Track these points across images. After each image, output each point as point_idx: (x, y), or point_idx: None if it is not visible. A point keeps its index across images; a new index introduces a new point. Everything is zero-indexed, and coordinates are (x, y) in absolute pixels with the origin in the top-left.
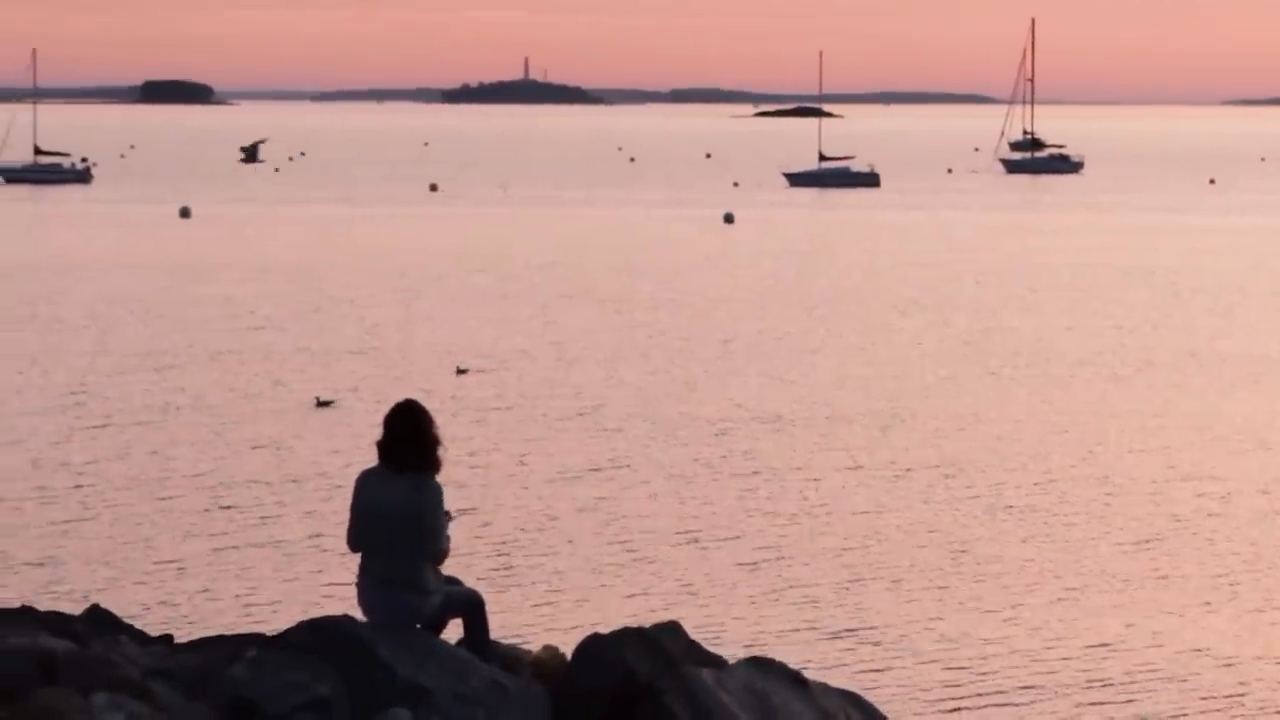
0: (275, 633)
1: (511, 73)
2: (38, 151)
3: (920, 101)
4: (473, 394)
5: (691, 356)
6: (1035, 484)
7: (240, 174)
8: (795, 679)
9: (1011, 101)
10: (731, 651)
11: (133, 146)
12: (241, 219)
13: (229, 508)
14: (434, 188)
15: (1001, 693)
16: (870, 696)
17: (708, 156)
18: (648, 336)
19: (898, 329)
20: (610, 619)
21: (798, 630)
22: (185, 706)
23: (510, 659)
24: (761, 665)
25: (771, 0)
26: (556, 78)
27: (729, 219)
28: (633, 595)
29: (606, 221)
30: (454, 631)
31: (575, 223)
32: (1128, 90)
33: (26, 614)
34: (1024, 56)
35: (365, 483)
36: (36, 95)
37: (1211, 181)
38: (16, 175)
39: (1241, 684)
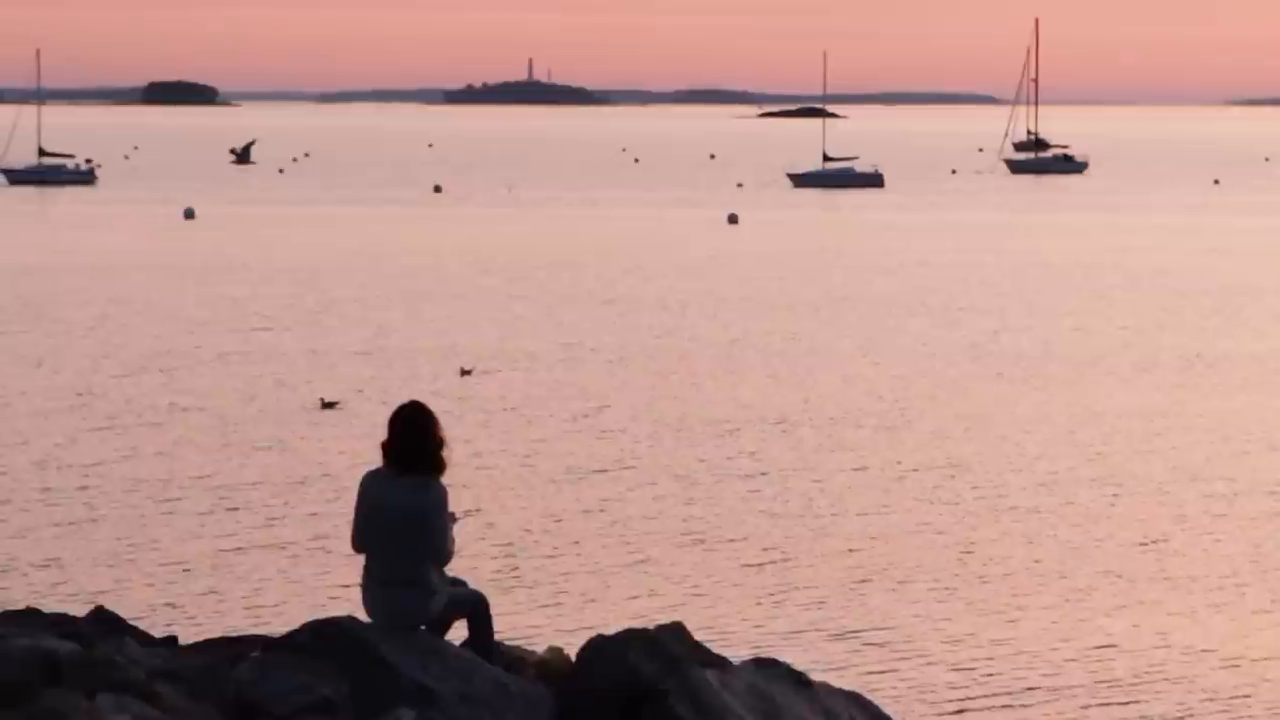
0: (280, 634)
1: (515, 73)
2: (42, 153)
3: (924, 102)
4: (477, 395)
5: (696, 357)
6: (1041, 485)
7: (244, 175)
8: (800, 680)
9: (1015, 102)
10: (736, 652)
11: (137, 148)
12: (246, 220)
13: (234, 509)
14: (438, 189)
15: (1007, 694)
16: (875, 698)
17: (712, 157)
18: (652, 337)
19: (902, 330)
20: (615, 620)
21: (803, 631)
22: (190, 708)
23: (514, 660)
24: (766, 666)
25: (776, 1)
26: (561, 78)
27: (733, 220)
28: (637, 596)
29: (611, 222)
30: (458, 632)
31: (579, 223)
32: (1132, 91)
33: (31, 615)
34: (1028, 57)
35: (370, 484)
36: (41, 96)
37: (1216, 182)
38: (21, 176)
39: (1248, 685)
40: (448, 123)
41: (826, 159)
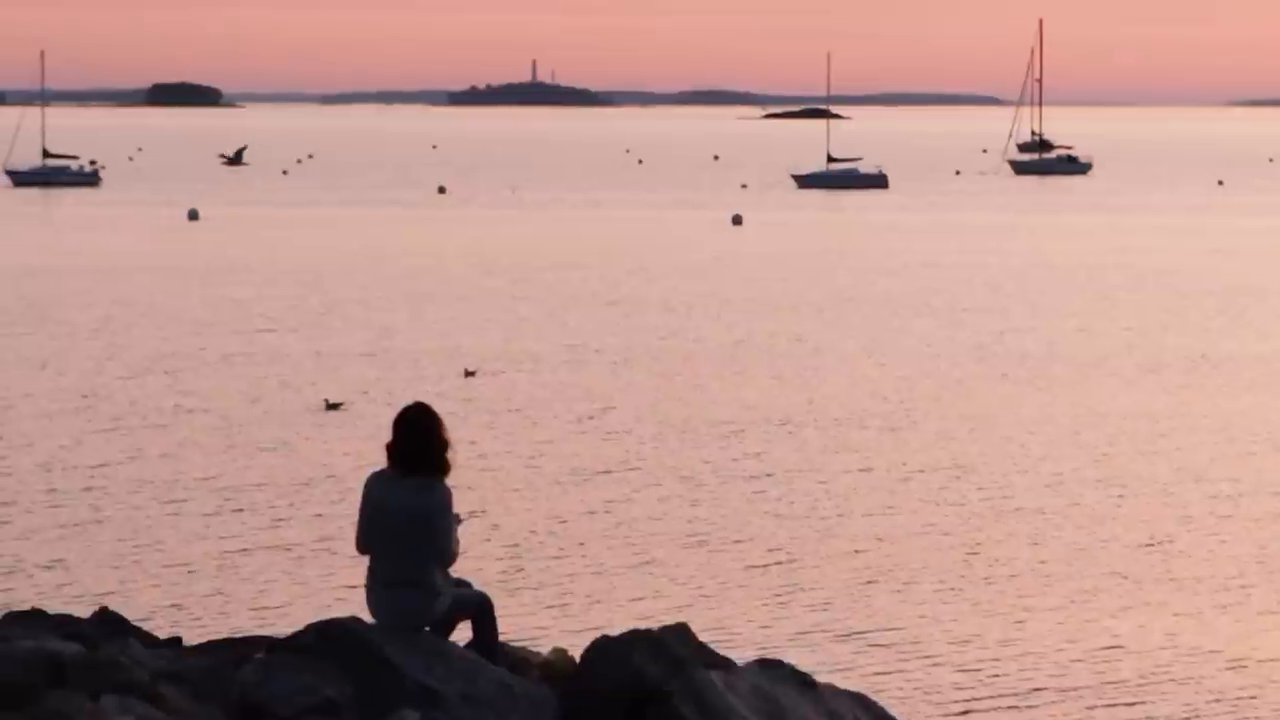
0: (284, 635)
1: (519, 75)
2: (46, 154)
3: (928, 103)
4: (482, 396)
5: (700, 358)
6: (1046, 486)
7: (247, 176)
8: (804, 681)
9: (1019, 103)
10: (741, 654)
11: (141, 149)
12: (249, 222)
13: (238, 510)
14: (442, 190)
15: (1013, 695)
16: (880, 699)
17: (716, 158)
18: (656, 338)
19: (907, 331)
20: (619, 621)
21: (808, 632)
22: (194, 709)
23: (519, 661)
24: (771, 667)
25: (779, 1)
26: (564, 79)
27: (737, 221)
28: (642, 597)
29: (615, 223)
30: (463, 633)
31: (583, 225)
32: (1136, 92)
33: (36, 616)
34: (1032, 58)
35: (374, 485)
36: (45, 98)
37: (1220, 183)
38: (25, 178)
39: (1254, 685)
40: (451, 124)
41: (831, 160)
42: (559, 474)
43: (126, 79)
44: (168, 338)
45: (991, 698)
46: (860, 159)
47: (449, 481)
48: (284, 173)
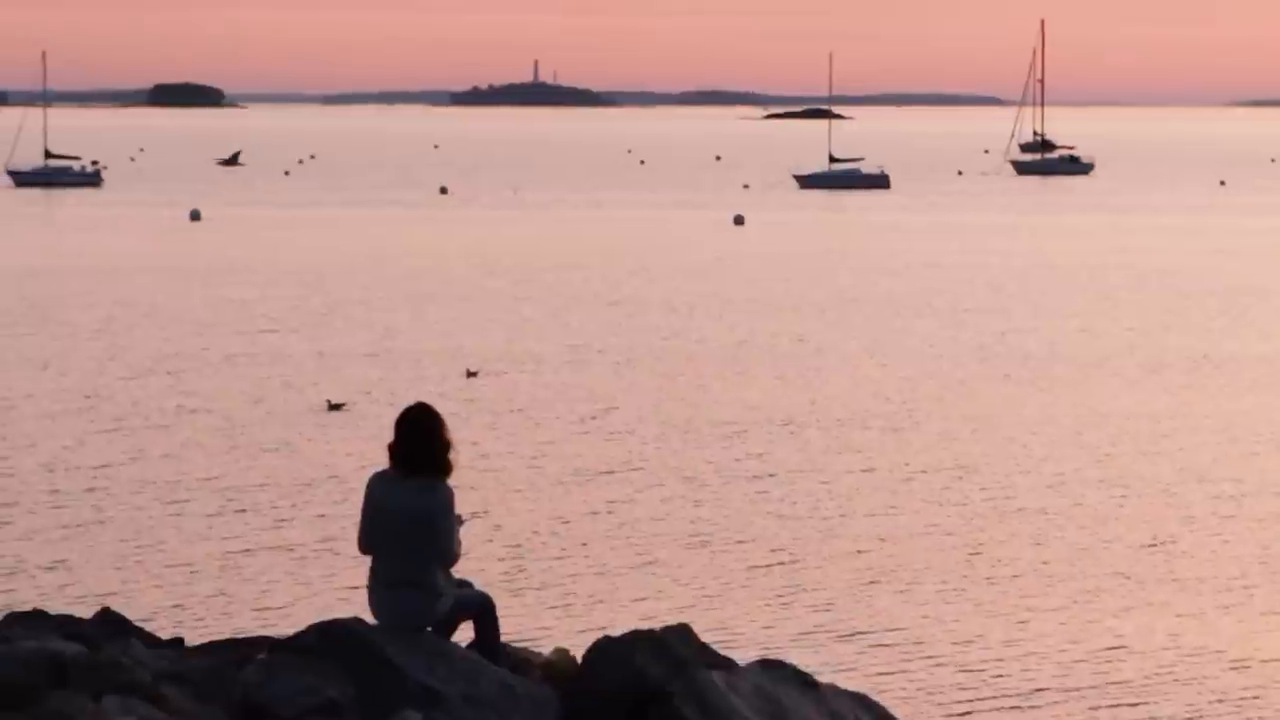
0: (286, 636)
1: (521, 75)
2: (48, 155)
3: (929, 103)
4: (484, 397)
5: (703, 359)
6: (1048, 486)
7: (249, 177)
8: (806, 681)
9: (1021, 103)
10: (743, 654)
11: (143, 149)
12: (251, 222)
13: (240, 510)
14: (444, 190)
15: (1015, 695)
16: (883, 699)
17: (718, 159)
18: (659, 339)
19: (909, 331)
20: (621, 621)
21: (810, 633)
22: (196, 710)
23: (521, 661)
24: (773, 668)
25: (781, 2)
26: (566, 80)
27: (739, 221)
28: (644, 598)
29: (616, 224)
30: (465, 634)
31: (585, 225)
32: (1138, 92)
33: (38, 617)
34: (1034, 58)
35: (376, 485)
36: (47, 99)
37: (1222, 183)
38: (27, 178)
39: (1257, 685)
40: (453, 124)
41: (833, 160)
42: (561, 474)
43: (128, 79)
44: (170, 338)
45: (994, 698)
46: (862, 159)
47: (451, 482)
48: (286, 173)
